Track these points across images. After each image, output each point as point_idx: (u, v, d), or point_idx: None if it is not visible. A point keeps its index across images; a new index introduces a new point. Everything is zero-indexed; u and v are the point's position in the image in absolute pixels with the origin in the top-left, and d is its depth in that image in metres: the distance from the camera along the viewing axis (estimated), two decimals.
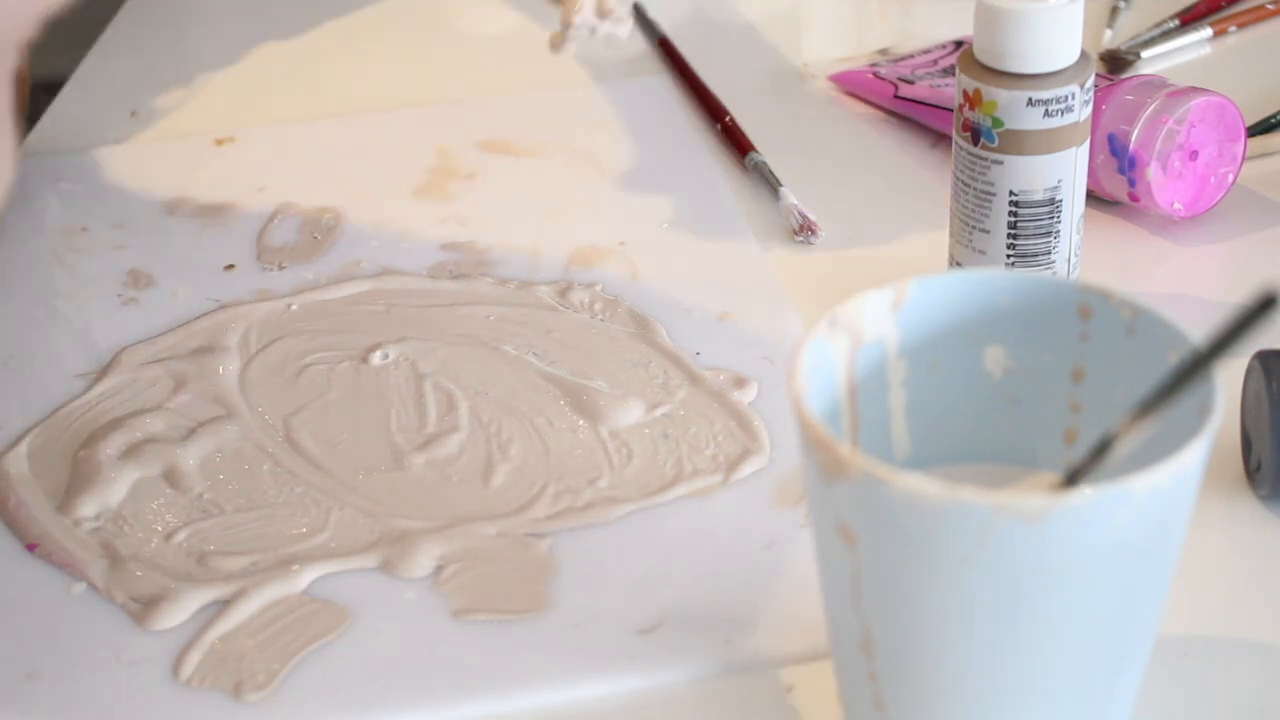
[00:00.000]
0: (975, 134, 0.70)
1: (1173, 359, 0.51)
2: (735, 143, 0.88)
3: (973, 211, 0.71)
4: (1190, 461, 0.47)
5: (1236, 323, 0.45)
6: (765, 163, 0.86)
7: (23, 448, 0.69)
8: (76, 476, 0.67)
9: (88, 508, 0.66)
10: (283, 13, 1.08)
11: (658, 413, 0.70)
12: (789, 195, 0.83)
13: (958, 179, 0.72)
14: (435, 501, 0.66)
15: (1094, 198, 0.81)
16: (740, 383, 0.71)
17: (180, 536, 0.65)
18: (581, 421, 0.70)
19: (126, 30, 1.07)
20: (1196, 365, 0.47)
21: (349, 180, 0.88)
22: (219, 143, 0.92)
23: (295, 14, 1.08)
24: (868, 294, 0.53)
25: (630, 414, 0.70)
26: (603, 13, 0.33)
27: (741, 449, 0.68)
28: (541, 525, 0.65)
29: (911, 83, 0.90)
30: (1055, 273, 0.71)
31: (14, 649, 0.61)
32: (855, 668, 0.52)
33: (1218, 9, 1.00)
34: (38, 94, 0.99)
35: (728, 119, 0.90)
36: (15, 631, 0.61)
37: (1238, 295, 0.70)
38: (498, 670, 0.59)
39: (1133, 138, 0.78)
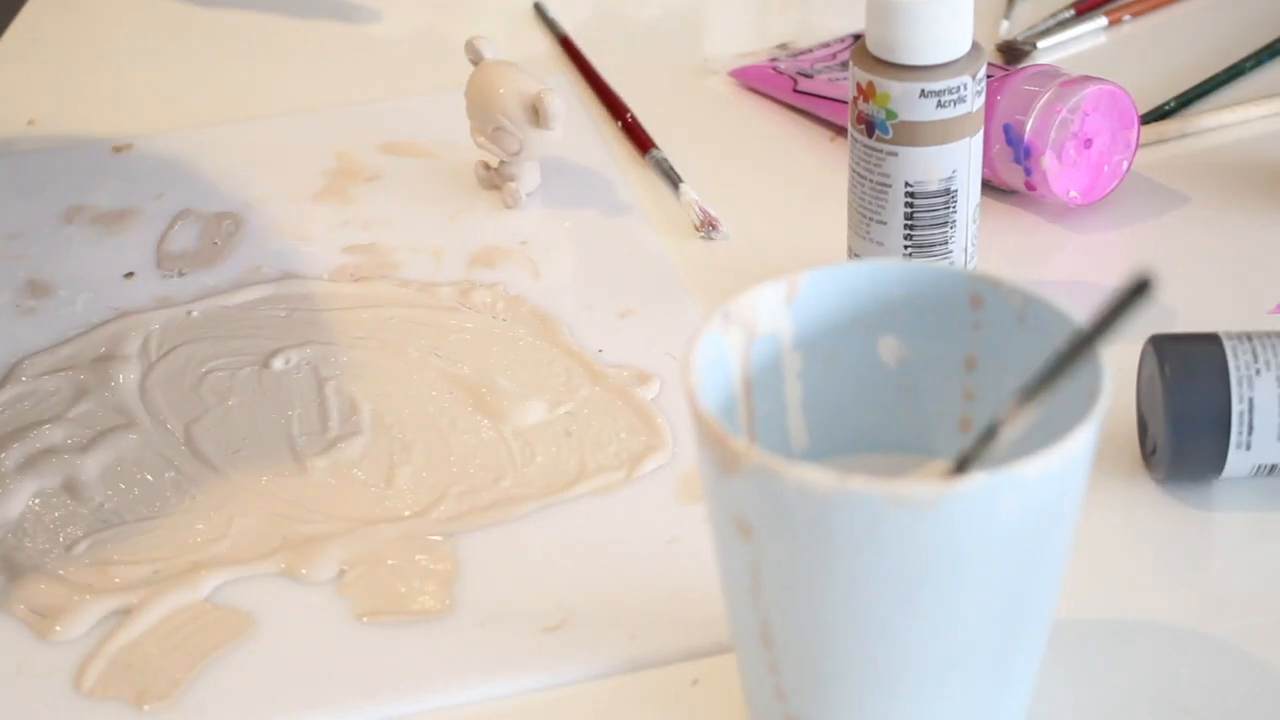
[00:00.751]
0: (870, 126, 0.70)
1: (1061, 345, 0.52)
2: (636, 140, 0.88)
3: (869, 203, 0.72)
4: (1079, 446, 0.48)
5: (1113, 306, 0.46)
6: (666, 159, 0.86)
7: None
8: None
9: None
10: (180, 18, 1.08)
11: (560, 411, 0.70)
12: (689, 191, 0.83)
13: (854, 171, 0.72)
14: (338, 504, 0.66)
15: (990, 187, 0.81)
16: (643, 379, 0.71)
17: (81, 547, 0.64)
18: (485, 421, 0.70)
19: (22, 38, 1.06)
20: (1077, 349, 0.48)
21: (249, 185, 0.88)
22: (117, 149, 0.91)
23: (193, 20, 1.07)
24: (761, 287, 0.54)
25: (533, 413, 0.70)
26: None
27: (644, 445, 0.68)
28: (445, 526, 0.64)
29: (810, 77, 0.91)
30: (953, 263, 0.72)
31: None
32: (756, 659, 0.52)
33: None
34: None
35: (629, 116, 0.90)
36: None
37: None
38: (403, 672, 0.59)
39: (1028, 127, 0.78)
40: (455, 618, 0.61)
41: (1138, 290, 0.45)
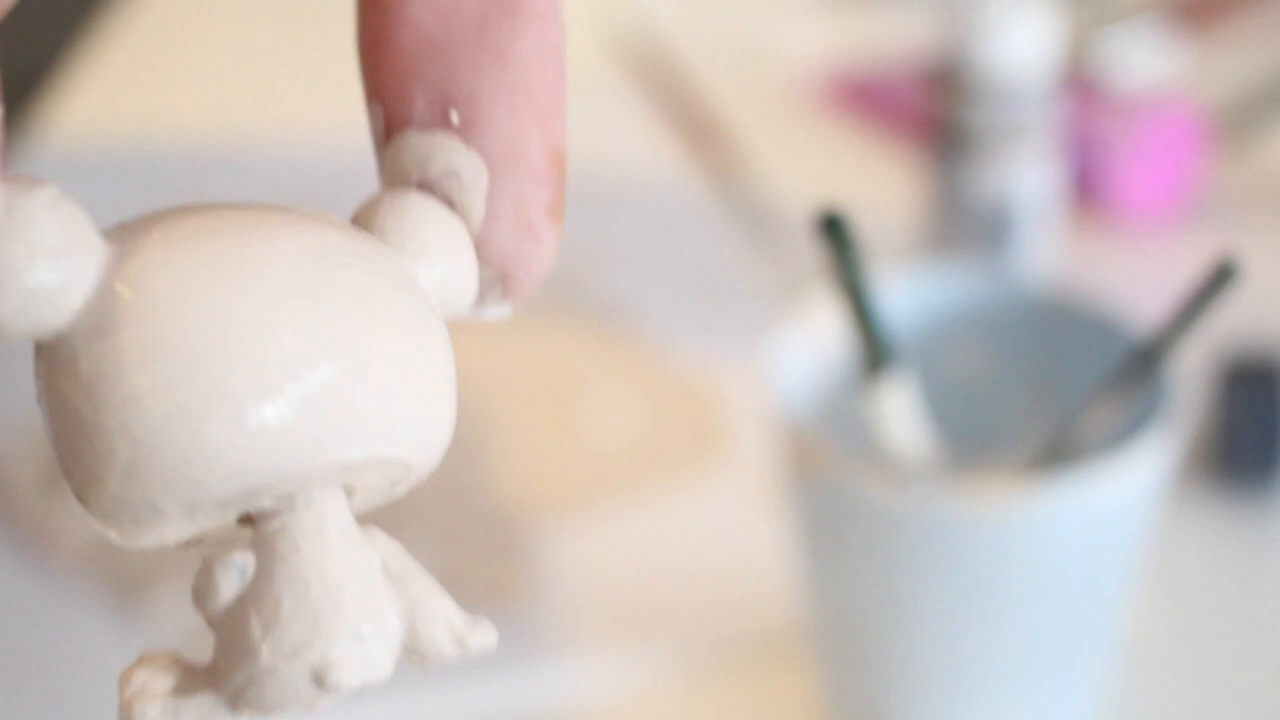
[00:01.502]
0: (946, 140, 0.71)
1: (1133, 352, 0.53)
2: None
3: (945, 213, 0.73)
4: (1152, 457, 0.49)
5: (1198, 294, 0.47)
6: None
7: None
8: None
9: None
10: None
11: (640, 407, 0.71)
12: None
13: (927, 182, 0.73)
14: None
15: (1061, 198, 0.82)
16: (723, 380, 0.72)
17: None
18: (563, 414, 0.71)
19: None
20: (1155, 350, 0.49)
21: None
22: None
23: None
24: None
25: (611, 408, 0.71)
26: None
27: (720, 446, 0.69)
28: (518, 517, 0.66)
29: (887, 88, 0.92)
30: (1023, 271, 0.73)
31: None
32: (834, 661, 0.53)
33: (1194, 13, 1.02)
34: None
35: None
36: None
37: None
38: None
39: (1099, 140, 0.79)
40: (527, 607, 0.62)
41: (1221, 278, 0.46)
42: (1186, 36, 1.00)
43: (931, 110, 0.73)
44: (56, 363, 0.24)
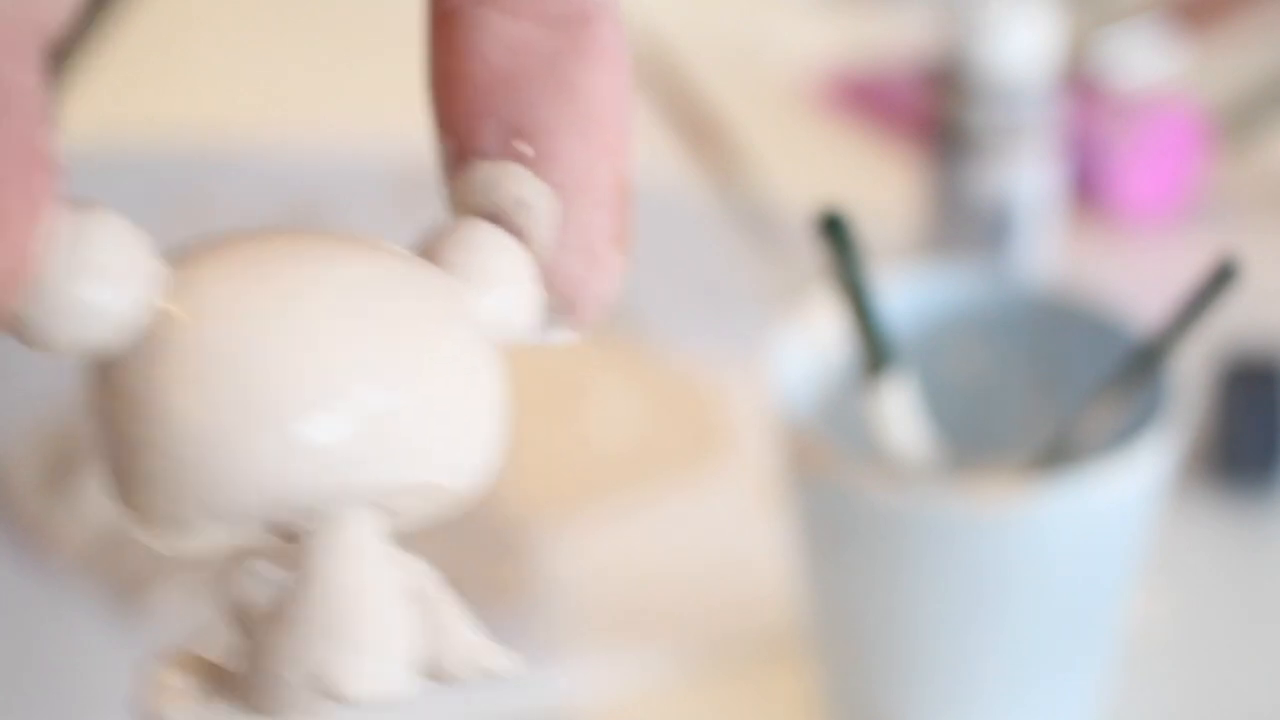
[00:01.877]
0: (946, 140, 0.72)
1: (1134, 352, 0.53)
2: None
3: (945, 213, 0.73)
4: (1152, 457, 0.49)
5: (1198, 294, 0.47)
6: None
7: None
8: None
9: None
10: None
11: (639, 407, 0.71)
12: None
13: (927, 182, 0.73)
14: None
15: (1061, 198, 0.82)
16: (723, 380, 0.73)
17: None
18: (562, 414, 0.71)
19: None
20: (1156, 350, 0.49)
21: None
22: None
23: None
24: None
25: (610, 407, 0.71)
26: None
27: (720, 446, 0.69)
28: (520, 516, 0.66)
29: (886, 87, 0.92)
30: (1023, 271, 0.73)
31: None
32: (836, 660, 0.53)
33: (1195, 13, 1.02)
34: None
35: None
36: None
37: None
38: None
39: (1099, 140, 0.79)
40: (527, 607, 0.62)
41: (1221, 278, 0.46)
42: (1186, 36, 1.00)
43: (931, 110, 0.73)
44: (106, 380, 0.25)
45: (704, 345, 0.75)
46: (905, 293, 0.55)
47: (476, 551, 0.65)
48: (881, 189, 0.86)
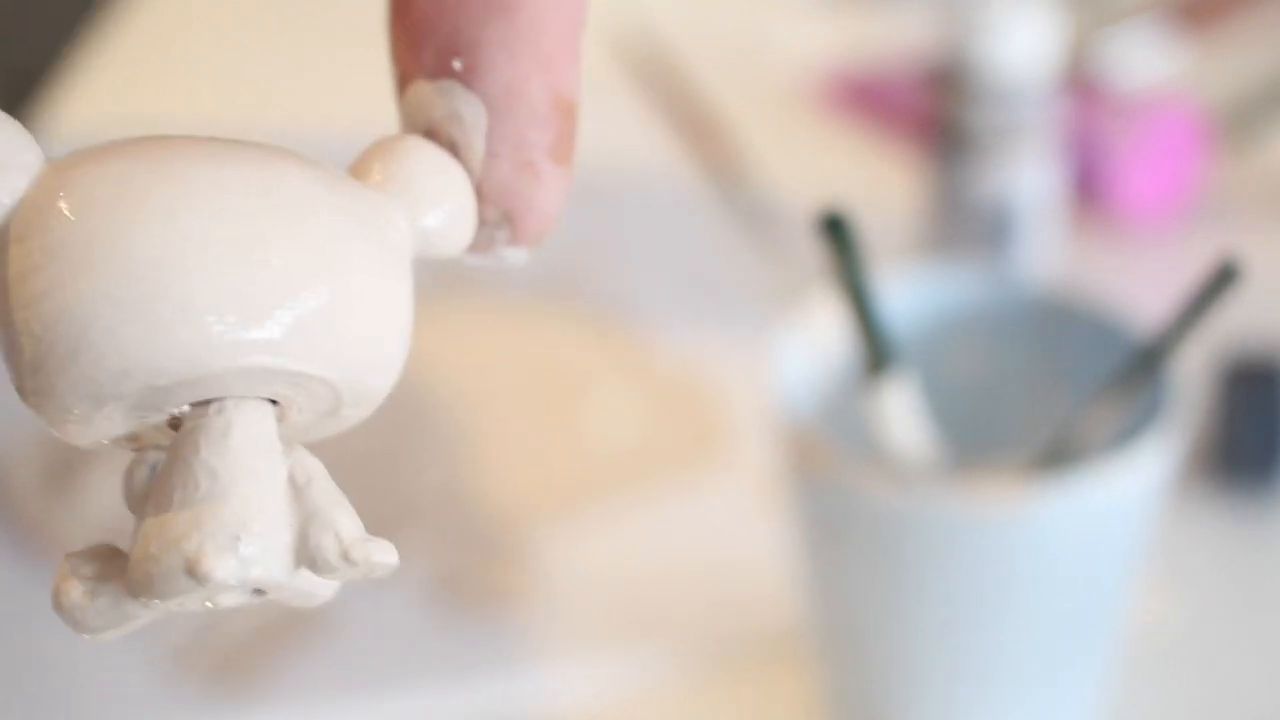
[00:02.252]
0: (946, 140, 0.72)
1: (1135, 352, 0.53)
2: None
3: (947, 213, 0.73)
4: (1153, 457, 0.49)
5: (1200, 294, 0.47)
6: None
7: None
8: None
9: None
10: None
11: (640, 405, 0.71)
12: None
13: (928, 182, 0.73)
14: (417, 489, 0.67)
15: (1061, 198, 0.82)
16: (723, 379, 0.73)
17: None
18: (562, 414, 0.71)
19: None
20: (1157, 350, 0.49)
21: None
22: None
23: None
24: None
25: (609, 407, 0.71)
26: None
27: (720, 445, 0.69)
28: (521, 515, 0.66)
29: (886, 87, 0.92)
30: (1023, 271, 0.73)
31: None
32: (836, 660, 0.53)
33: (1195, 13, 1.02)
34: None
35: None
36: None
37: None
38: (476, 657, 0.60)
39: (1099, 140, 0.79)
40: (527, 608, 0.62)
41: (1222, 278, 0.46)
42: (1186, 36, 1.00)
43: (932, 110, 0.73)
44: None
45: (704, 345, 0.75)
46: (905, 293, 0.55)
47: (476, 551, 0.65)
48: (881, 189, 0.86)
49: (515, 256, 0.29)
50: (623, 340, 0.76)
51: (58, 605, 0.27)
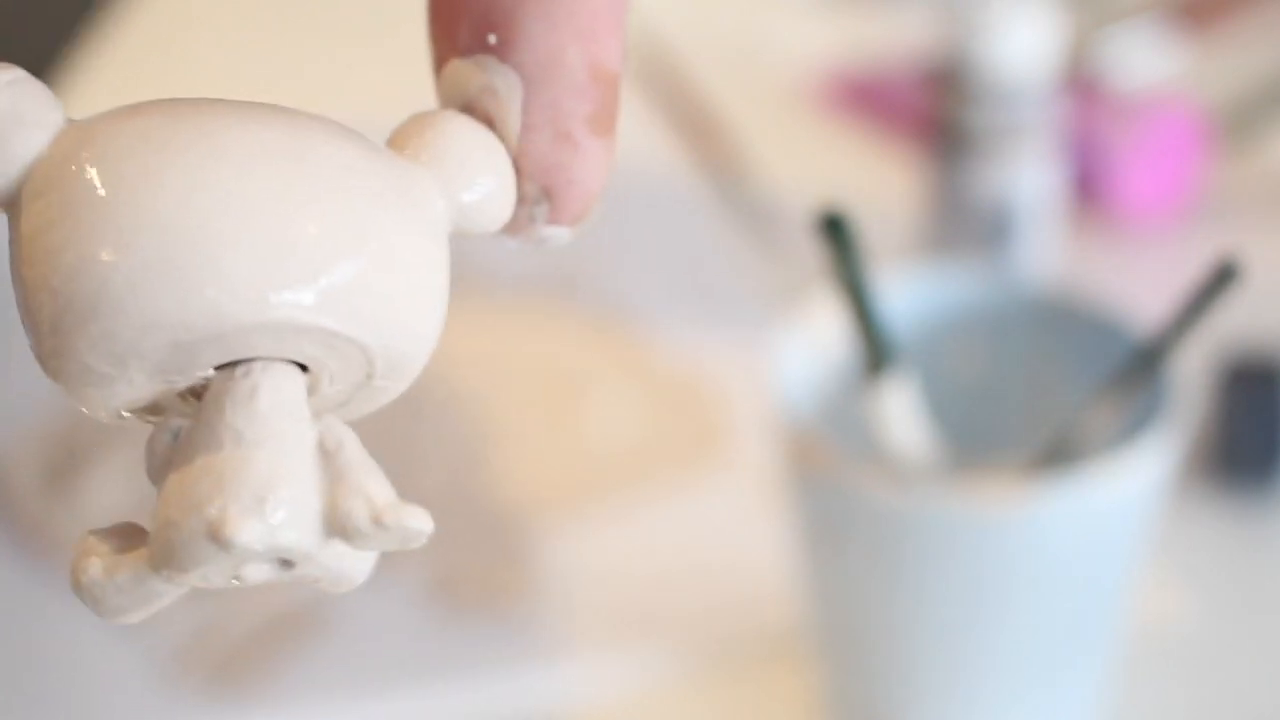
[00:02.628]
0: (946, 140, 0.72)
1: (1134, 352, 0.53)
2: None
3: (945, 213, 0.73)
4: (1153, 457, 0.49)
5: (1199, 294, 0.47)
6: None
7: None
8: None
9: None
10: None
11: (638, 406, 0.71)
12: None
13: (928, 182, 0.73)
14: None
15: (1061, 198, 0.82)
16: (723, 379, 0.73)
17: None
18: (562, 414, 0.71)
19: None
20: (1156, 350, 0.49)
21: None
22: None
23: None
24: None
25: (610, 407, 0.71)
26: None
27: (719, 445, 0.69)
28: (521, 515, 0.66)
29: (886, 87, 0.92)
30: (1023, 271, 0.73)
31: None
32: (836, 660, 0.53)
33: (1195, 13, 1.02)
34: None
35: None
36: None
37: None
38: (475, 658, 0.60)
39: (1099, 140, 0.79)
40: (527, 607, 0.62)
41: (1222, 278, 0.46)
42: (1186, 36, 1.00)
43: (932, 110, 0.73)
44: (9, 227, 0.25)
45: (704, 345, 0.75)
46: (905, 293, 0.55)
47: (476, 551, 0.65)
48: (881, 189, 0.86)
49: (557, 236, 0.28)
50: (623, 340, 0.76)
51: (76, 584, 0.26)
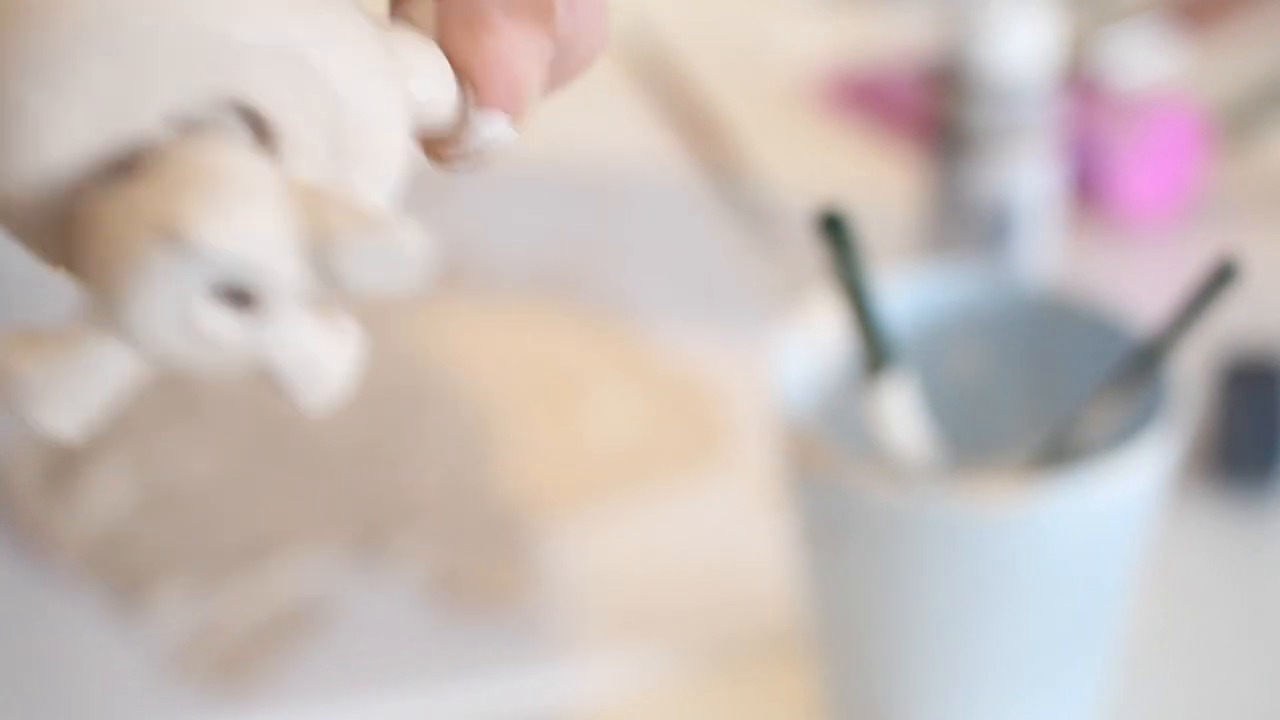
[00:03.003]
0: (946, 140, 0.72)
1: (1134, 352, 0.53)
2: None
3: (944, 213, 0.73)
4: (1152, 457, 0.49)
5: (1198, 294, 0.47)
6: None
7: None
8: None
9: None
10: None
11: (637, 406, 0.71)
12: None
13: (928, 182, 0.73)
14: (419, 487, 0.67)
15: (1061, 198, 0.82)
16: (721, 379, 0.73)
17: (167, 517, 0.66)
18: (561, 414, 0.71)
19: None
20: (1156, 350, 0.49)
21: None
22: None
23: None
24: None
25: (608, 406, 0.71)
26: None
27: (718, 445, 0.69)
28: (519, 516, 0.66)
29: (887, 87, 0.92)
30: (1023, 271, 0.73)
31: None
32: (834, 660, 0.53)
33: (1195, 13, 1.02)
34: None
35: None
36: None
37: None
38: (476, 656, 0.60)
39: (1099, 140, 0.79)
40: (527, 607, 0.62)
41: (1222, 278, 0.46)
42: (1186, 36, 1.00)
43: (931, 110, 0.73)
44: None
45: (704, 345, 0.75)
46: (905, 293, 0.55)
47: (477, 551, 0.65)
48: (881, 189, 0.86)
49: (494, 130, 0.27)
50: (623, 340, 0.76)
51: (5, 386, 0.22)
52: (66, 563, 0.65)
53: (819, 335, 0.54)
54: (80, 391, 0.22)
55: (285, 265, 0.22)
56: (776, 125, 0.94)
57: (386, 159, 0.25)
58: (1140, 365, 0.49)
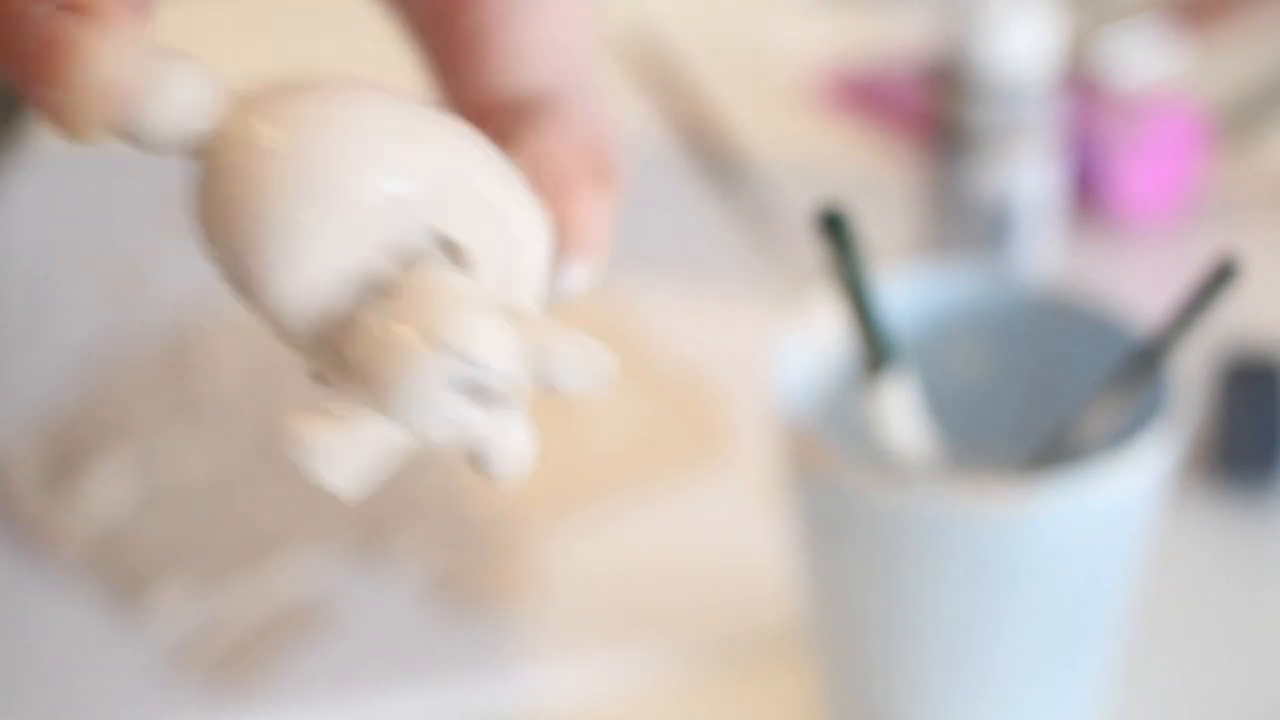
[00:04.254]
0: (946, 139, 0.72)
1: (1134, 352, 0.53)
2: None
3: (945, 212, 0.73)
4: (1153, 457, 0.49)
5: (1198, 293, 0.47)
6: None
7: None
8: None
9: None
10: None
11: (638, 405, 0.71)
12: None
13: (928, 181, 0.73)
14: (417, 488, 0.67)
15: (1061, 197, 0.82)
16: (722, 378, 0.73)
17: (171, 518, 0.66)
18: (561, 414, 0.71)
19: None
20: (1156, 349, 0.49)
21: None
22: None
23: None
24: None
25: (609, 405, 0.71)
26: None
27: (718, 445, 0.69)
28: (520, 515, 0.66)
29: (886, 86, 0.92)
30: (1023, 271, 0.73)
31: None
32: (835, 660, 0.53)
33: (1195, 13, 1.02)
34: None
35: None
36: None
37: None
38: (476, 657, 0.60)
39: (1099, 140, 0.79)
40: (526, 607, 0.62)
41: (1222, 277, 0.46)
42: (1186, 36, 1.00)
43: (932, 109, 0.73)
44: (214, 173, 0.30)
45: (704, 345, 0.75)
46: (905, 293, 0.55)
47: (476, 551, 0.65)
48: (881, 188, 0.86)
49: (580, 277, 0.35)
50: (623, 340, 0.76)
51: (299, 449, 0.28)
52: (66, 562, 0.65)
53: (819, 335, 0.54)
54: (360, 458, 0.29)
55: (517, 371, 0.29)
56: (776, 124, 0.93)
57: (539, 273, 0.32)
58: (1140, 365, 0.49)
